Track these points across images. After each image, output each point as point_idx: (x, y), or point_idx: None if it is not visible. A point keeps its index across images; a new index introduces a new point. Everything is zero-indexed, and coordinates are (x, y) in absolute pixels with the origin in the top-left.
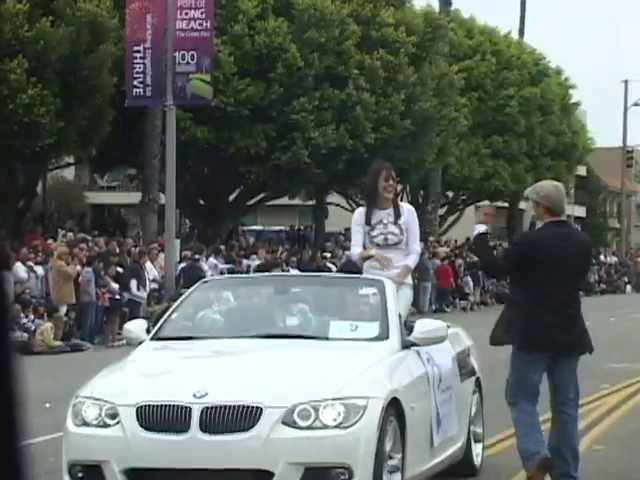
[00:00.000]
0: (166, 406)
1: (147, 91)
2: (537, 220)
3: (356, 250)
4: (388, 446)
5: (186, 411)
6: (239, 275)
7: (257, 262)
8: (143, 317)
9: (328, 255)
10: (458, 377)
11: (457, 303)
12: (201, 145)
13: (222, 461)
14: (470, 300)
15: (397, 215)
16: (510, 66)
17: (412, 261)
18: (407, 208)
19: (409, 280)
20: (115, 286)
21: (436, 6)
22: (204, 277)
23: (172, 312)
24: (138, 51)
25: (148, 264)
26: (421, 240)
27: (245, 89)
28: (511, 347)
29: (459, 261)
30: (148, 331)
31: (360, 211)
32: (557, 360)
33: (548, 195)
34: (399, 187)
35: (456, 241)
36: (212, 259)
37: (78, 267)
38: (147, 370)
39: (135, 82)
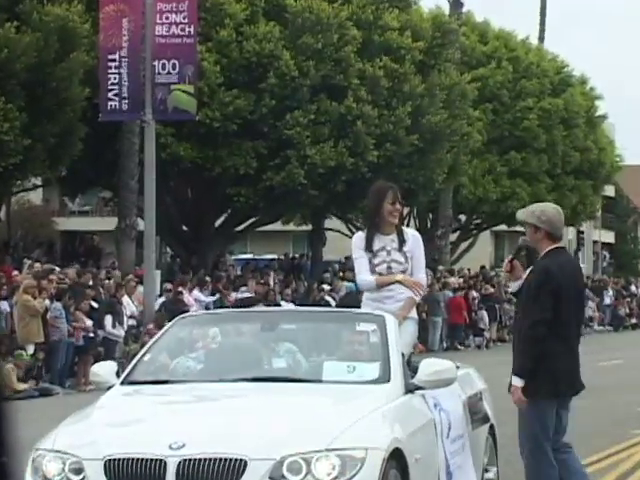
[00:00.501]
0: (138, 460)
1: (123, 104)
2: (529, 245)
3: (366, 276)
4: None
5: (161, 465)
6: (222, 310)
7: (246, 295)
8: (119, 357)
9: (326, 287)
10: (469, 424)
11: (471, 340)
12: (184, 164)
13: None
14: (486, 337)
15: (402, 242)
16: (529, 75)
17: (422, 287)
18: (412, 234)
19: (414, 314)
20: (88, 323)
21: (446, 8)
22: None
23: (145, 352)
24: (113, 60)
25: (125, 298)
26: (429, 269)
27: (233, 102)
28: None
29: (473, 293)
30: (118, 374)
31: (360, 236)
32: (564, 402)
33: (551, 220)
34: (405, 210)
35: (469, 270)
36: (196, 292)
37: (47, 302)
38: (116, 418)
39: (110, 94)
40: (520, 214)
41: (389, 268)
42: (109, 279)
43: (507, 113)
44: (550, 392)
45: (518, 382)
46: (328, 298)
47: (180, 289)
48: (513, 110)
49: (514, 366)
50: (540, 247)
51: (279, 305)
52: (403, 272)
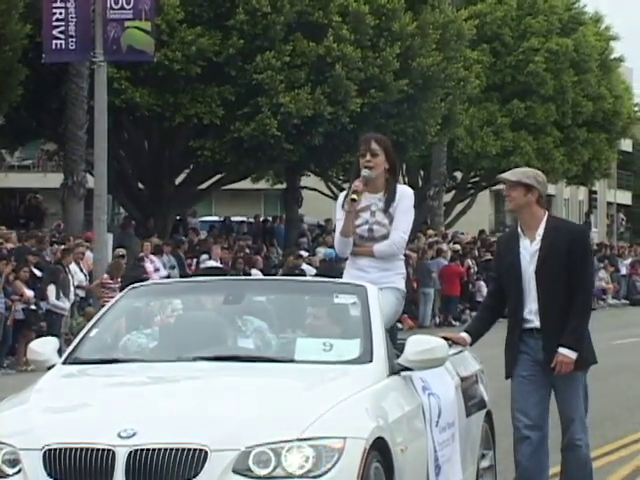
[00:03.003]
0: (82, 450)
1: (70, 43)
2: (518, 210)
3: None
4: None
5: (108, 456)
6: (179, 279)
7: (210, 263)
8: (65, 333)
9: (304, 254)
10: (463, 411)
11: (467, 314)
12: (140, 113)
13: None
14: None
15: (389, 201)
16: (534, 11)
17: (382, 247)
18: (401, 191)
19: (397, 283)
20: (29, 293)
21: None
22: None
23: (92, 327)
24: None
25: (72, 265)
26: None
27: (196, 41)
28: None
29: (469, 261)
30: (61, 352)
31: (346, 193)
32: None
33: (545, 183)
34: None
35: (462, 234)
36: (154, 258)
37: None
38: (57, 403)
39: (55, 32)
40: (509, 175)
41: (370, 231)
42: (54, 244)
43: (509, 55)
44: (593, 362)
45: (573, 355)
46: (305, 267)
47: (141, 255)
48: (516, 52)
49: (565, 339)
50: (528, 211)
51: (248, 274)
52: (386, 236)
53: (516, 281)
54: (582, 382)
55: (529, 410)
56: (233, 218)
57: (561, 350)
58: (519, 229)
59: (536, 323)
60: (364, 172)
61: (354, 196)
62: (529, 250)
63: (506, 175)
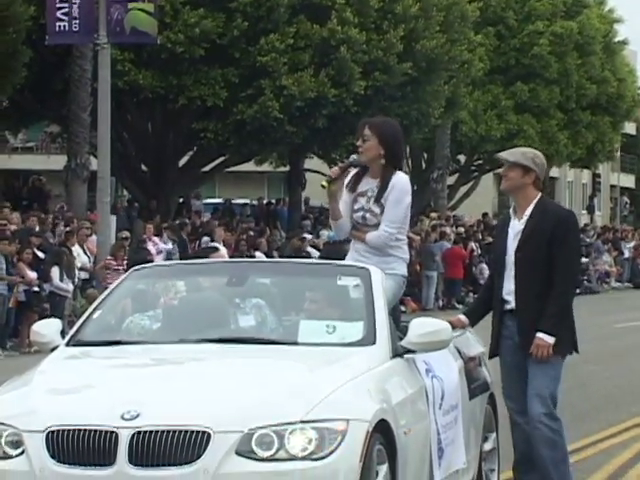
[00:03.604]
0: (85, 431)
1: (74, 25)
2: (512, 191)
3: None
4: None
5: (111, 438)
6: (182, 261)
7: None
8: (68, 315)
9: (309, 237)
10: (466, 393)
11: (470, 297)
12: (143, 94)
13: None
14: None
15: (382, 190)
16: None
17: (372, 237)
18: (394, 180)
19: (397, 268)
20: (32, 275)
21: None
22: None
23: (95, 309)
24: None
25: (76, 247)
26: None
27: (199, 23)
28: None
29: (472, 244)
30: (64, 334)
31: (351, 174)
32: None
33: (543, 165)
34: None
35: (463, 218)
36: (157, 240)
37: None
38: (61, 384)
39: (58, 13)
40: (508, 155)
41: (363, 218)
42: (57, 225)
43: (513, 38)
44: (573, 347)
45: (550, 339)
46: (310, 249)
47: (145, 236)
48: (520, 35)
49: (543, 323)
50: (522, 193)
51: (252, 257)
52: (377, 225)
53: (500, 260)
54: (555, 367)
55: (516, 396)
56: (236, 201)
57: (538, 334)
58: (511, 210)
59: (512, 304)
60: (352, 157)
61: (323, 182)
62: (515, 230)
63: (504, 155)
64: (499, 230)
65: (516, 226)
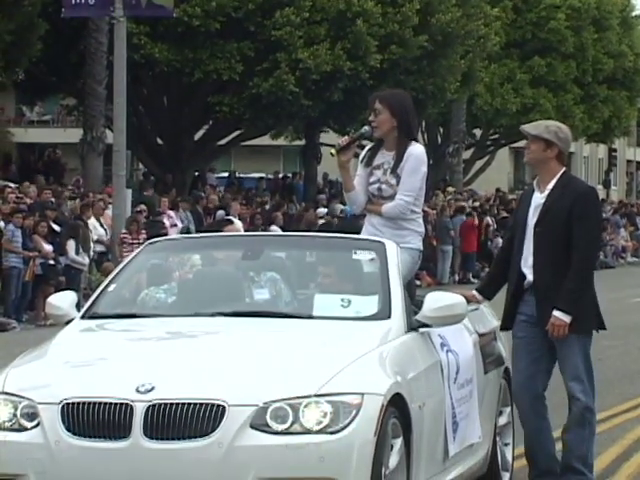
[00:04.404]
0: (100, 404)
1: None
2: (535, 164)
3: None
4: (388, 456)
5: (127, 410)
6: (197, 235)
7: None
8: (84, 288)
9: (324, 211)
10: (481, 367)
11: (485, 272)
12: (159, 68)
13: (173, 475)
14: None
15: (398, 161)
16: None
17: (388, 208)
18: (410, 151)
19: (412, 243)
20: (48, 248)
21: None
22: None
23: (110, 282)
24: None
25: (92, 220)
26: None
27: None
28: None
29: (488, 219)
30: (79, 306)
31: (367, 148)
32: None
33: (567, 138)
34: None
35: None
36: (172, 214)
37: (1, 223)
38: (76, 357)
39: None
40: (531, 128)
41: (379, 190)
42: (73, 198)
43: (530, 12)
44: (597, 324)
45: (566, 318)
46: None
47: (159, 209)
48: (537, 9)
49: (559, 301)
50: (545, 166)
51: (267, 230)
52: (393, 196)
53: (520, 233)
54: (581, 344)
55: (521, 372)
56: (252, 174)
57: (554, 312)
58: (535, 183)
59: (530, 278)
60: (363, 128)
61: (332, 151)
62: (536, 202)
63: (527, 128)
64: (521, 202)
65: (537, 199)
